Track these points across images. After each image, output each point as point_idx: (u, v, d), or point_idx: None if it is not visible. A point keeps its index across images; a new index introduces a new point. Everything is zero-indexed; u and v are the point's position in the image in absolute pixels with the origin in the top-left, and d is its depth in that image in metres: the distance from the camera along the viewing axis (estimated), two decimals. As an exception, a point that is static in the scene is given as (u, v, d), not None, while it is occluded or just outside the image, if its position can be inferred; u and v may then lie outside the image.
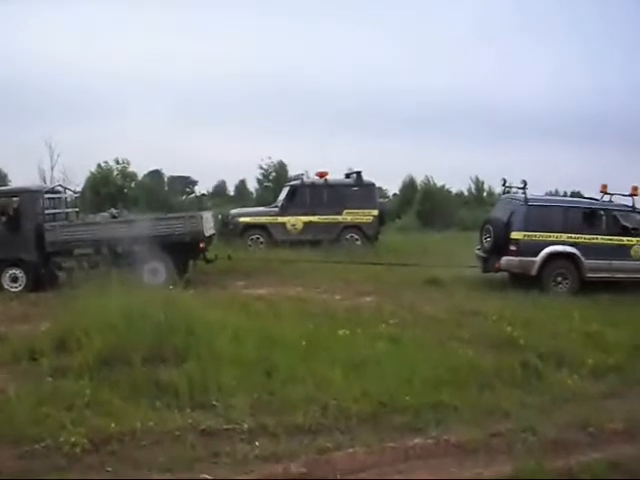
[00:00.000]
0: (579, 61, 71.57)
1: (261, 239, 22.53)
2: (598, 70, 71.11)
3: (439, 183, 42.43)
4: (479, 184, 48.20)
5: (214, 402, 7.09)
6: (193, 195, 55.88)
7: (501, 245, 16.12)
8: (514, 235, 16.02)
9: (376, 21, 74.38)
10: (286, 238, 22.17)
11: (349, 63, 75.03)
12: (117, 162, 37.46)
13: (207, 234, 16.39)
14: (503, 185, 16.73)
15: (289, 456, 5.97)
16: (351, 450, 6.14)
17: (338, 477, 5.62)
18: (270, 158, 44.53)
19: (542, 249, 15.82)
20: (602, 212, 16.66)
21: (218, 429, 6.51)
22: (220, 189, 61.73)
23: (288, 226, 22.63)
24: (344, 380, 7.59)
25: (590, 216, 16.55)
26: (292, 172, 37.15)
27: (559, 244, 15.92)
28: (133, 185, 38.37)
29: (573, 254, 15.88)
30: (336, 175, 24.49)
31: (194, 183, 60.73)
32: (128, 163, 37.53)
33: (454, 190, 46.33)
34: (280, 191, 25.34)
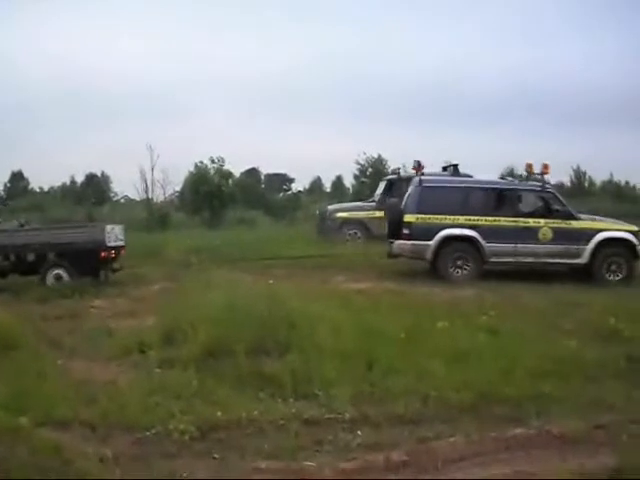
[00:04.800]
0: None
1: (359, 234, 22.63)
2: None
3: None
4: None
5: (316, 392, 7.21)
6: (290, 192, 56.64)
7: (397, 229, 15.64)
8: (407, 218, 15.47)
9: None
10: (384, 233, 22.17)
11: (442, 55, 74.47)
12: (212, 161, 37.99)
13: (110, 245, 16.53)
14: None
15: (390, 445, 6.02)
16: (452, 439, 6.14)
17: (439, 465, 5.66)
18: (365, 153, 44.70)
19: (437, 232, 15.14)
20: (506, 192, 15.77)
21: (321, 418, 6.62)
22: (316, 185, 62.36)
23: (386, 221, 22.61)
24: (444, 371, 7.59)
25: (492, 197, 15.74)
26: (391, 166, 37.18)
27: (456, 227, 15.18)
28: (230, 183, 38.88)
29: (472, 237, 15.13)
30: (433, 169, 24.36)
31: (291, 180, 61.61)
32: (223, 161, 38.02)
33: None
34: (377, 186, 25.37)
